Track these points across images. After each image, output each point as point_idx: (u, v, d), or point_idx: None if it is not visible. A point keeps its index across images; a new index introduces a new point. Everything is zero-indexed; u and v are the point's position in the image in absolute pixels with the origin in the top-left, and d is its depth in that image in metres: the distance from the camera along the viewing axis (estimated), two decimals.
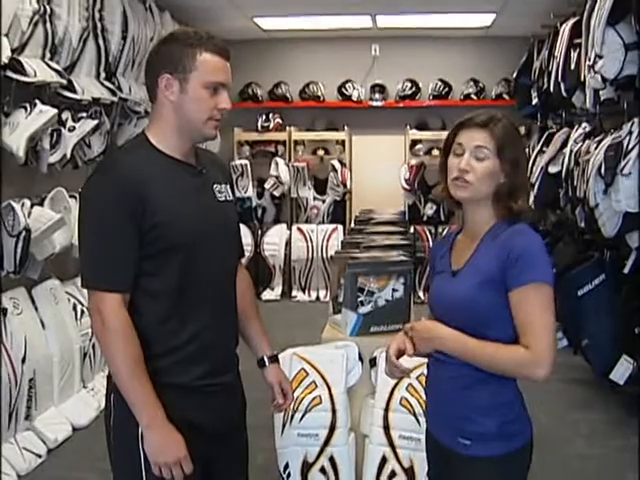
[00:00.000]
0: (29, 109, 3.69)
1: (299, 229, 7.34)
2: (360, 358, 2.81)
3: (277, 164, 7.31)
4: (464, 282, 1.74)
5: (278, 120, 7.52)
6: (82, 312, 4.24)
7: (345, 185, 7.39)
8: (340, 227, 7.29)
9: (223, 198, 1.88)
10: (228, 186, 1.92)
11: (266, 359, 2.04)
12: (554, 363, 1.66)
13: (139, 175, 1.71)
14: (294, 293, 7.25)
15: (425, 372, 1.94)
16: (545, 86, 5.64)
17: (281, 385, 2.04)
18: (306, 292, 7.23)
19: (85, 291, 1.78)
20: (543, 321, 1.66)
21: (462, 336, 1.69)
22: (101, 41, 4.48)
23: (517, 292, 1.67)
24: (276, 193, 7.43)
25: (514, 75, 6.71)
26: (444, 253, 1.86)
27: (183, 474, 1.70)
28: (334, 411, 2.73)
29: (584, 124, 4.94)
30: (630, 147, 3.76)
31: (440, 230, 7.05)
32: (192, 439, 1.72)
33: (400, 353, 1.78)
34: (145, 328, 1.73)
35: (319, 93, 7.49)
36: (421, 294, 6.60)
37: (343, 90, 7.49)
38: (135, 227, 1.69)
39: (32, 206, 3.79)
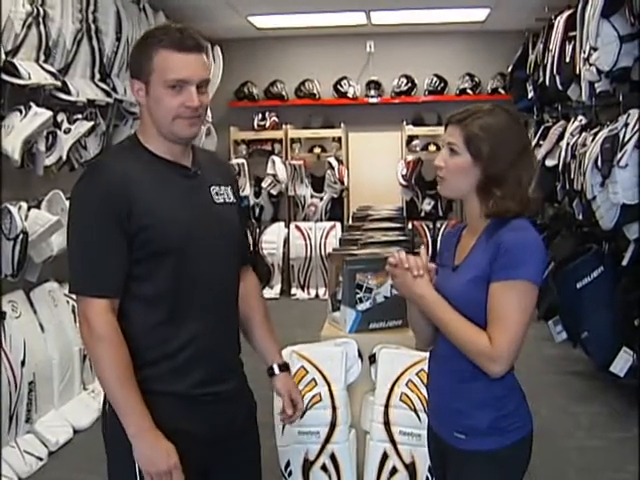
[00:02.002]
0: (24, 112, 3.68)
1: (297, 227, 7.33)
2: (359, 355, 2.80)
3: (274, 162, 7.30)
4: (460, 278, 1.74)
5: (274, 118, 7.50)
6: None
7: (342, 182, 7.38)
8: (338, 224, 7.27)
9: (222, 200, 1.82)
10: (229, 188, 1.86)
11: (276, 368, 1.98)
12: (512, 362, 1.68)
13: (126, 177, 1.67)
14: (293, 291, 7.24)
15: (425, 368, 1.95)
16: (541, 80, 5.63)
17: (291, 396, 1.98)
18: (305, 290, 7.22)
19: None
20: (514, 319, 1.64)
21: (440, 304, 1.71)
22: (95, 42, 4.46)
23: (497, 285, 1.65)
24: (273, 191, 7.42)
25: (509, 69, 6.70)
26: (450, 247, 1.86)
27: None
28: (334, 408, 2.72)
29: (580, 117, 4.94)
30: (626, 139, 3.76)
31: (438, 225, 7.04)
32: (188, 449, 1.67)
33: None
34: (136, 334, 1.68)
35: (315, 91, 7.48)
36: None
37: (339, 87, 7.47)
38: (122, 230, 1.65)
39: (29, 209, 3.78)
